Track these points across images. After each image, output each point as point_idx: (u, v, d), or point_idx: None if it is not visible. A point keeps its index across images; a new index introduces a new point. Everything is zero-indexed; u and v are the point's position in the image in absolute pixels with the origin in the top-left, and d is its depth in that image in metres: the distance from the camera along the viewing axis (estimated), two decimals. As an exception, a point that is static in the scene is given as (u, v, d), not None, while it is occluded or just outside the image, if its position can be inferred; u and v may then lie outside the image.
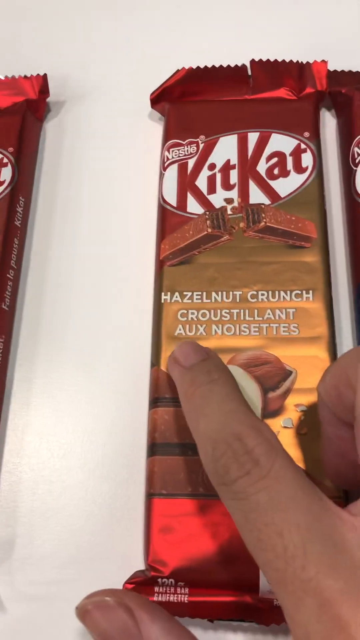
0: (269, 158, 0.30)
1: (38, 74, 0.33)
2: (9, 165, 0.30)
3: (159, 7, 0.37)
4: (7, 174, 0.30)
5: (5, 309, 0.28)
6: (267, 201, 0.29)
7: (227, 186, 0.29)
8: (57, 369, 0.28)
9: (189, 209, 0.29)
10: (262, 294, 0.27)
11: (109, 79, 0.35)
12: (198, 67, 0.32)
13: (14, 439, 0.27)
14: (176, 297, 0.27)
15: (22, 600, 0.25)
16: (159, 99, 0.32)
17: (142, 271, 0.30)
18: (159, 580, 0.23)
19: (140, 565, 0.25)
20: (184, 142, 0.30)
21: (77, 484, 0.26)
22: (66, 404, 0.28)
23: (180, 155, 0.30)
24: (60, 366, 0.28)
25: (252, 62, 0.32)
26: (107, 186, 0.32)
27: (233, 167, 0.30)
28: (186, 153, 0.30)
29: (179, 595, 0.23)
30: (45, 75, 0.33)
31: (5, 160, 0.31)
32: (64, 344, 0.29)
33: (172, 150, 0.30)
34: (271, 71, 0.32)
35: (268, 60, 0.32)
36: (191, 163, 0.30)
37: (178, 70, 0.32)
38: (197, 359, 0.22)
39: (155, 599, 0.23)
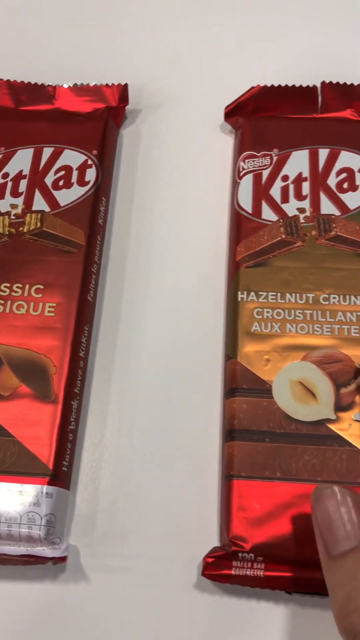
0: (338, 173, 0.32)
1: (119, 83, 0.35)
2: (94, 167, 0.33)
3: (233, 25, 0.39)
4: (91, 175, 0.32)
5: (90, 300, 0.30)
6: (337, 212, 0.31)
7: (299, 197, 0.31)
8: (135, 358, 0.30)
9: (263, 216, 0.31)
10: (334, 297, 0.29)
11: (182, 91, 0.37)
12: (272, 85, 0.34)
13: (95, 422, 0.29)
14: (252, 296, 0.29)
15: (103, 571, 0.26)
16: (233, 112, 0.35)
17: (214, 271, 0.32)
18: (239, 554, 0.25)
19: (213, 542, 0.27)
20: (258, 154, 0.33)
21: (154, 466, 0.28)
22: (143, 389, 0.30)
23: (255, 166, 0.32)
24: (138, 355, 0.30)
25: (323, 84, 0.34)
26: (179, 191, 0.34)
27: (305, 179, 0.32)
28: (260, 164, 0.32)
29: (255, 570, 0.25)
30: (126, 84, 0.35)
31: (89, 162, 0.33)
32: (141, 334, 0.31)
33: (247, 161, 0.33)
34: (339, 93, 0.34)
35: (337, 83, 0.34)
36: (265, 174, 0.32)
37: (252, 87, 0.34)
38: (346, 547, 0.21)
39: (232, 572, 0.25)
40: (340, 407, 0.27)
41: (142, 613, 0.26)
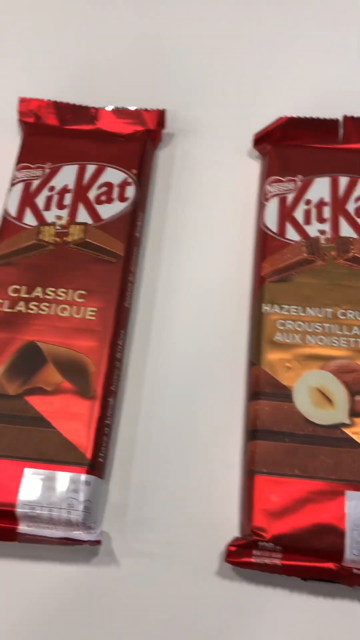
0: (357, 199, 0.35)
1: (158, 108, 0.38)
2: (133, 184, 0.35)
3: (261, 58, 0.43)
4: (130, 192, 0.35)
5: (126, 306, 0.33)
6: (355, 235, 0.34)
7: (320, 220, 0.34)
8: (165, 360, 0.33)
9: (287, 236, 0.34)
10: (350, 313, 0.32)
11: (213, 118, 0.40)
12: (298, 117, 0.37)
13: (128, 418, 0.31)
14: (275, 308, 0.32)
15: (132, 556, 0.29)
16: (261, 140, 0.38)
17: (238, 284, 0.35)
18: (260, 543, 0.27)
19: (233, 532, 0.29)
20: (284, 179, 0.35)
21: (181, 460, 0.31)
22: (172, 389, 0.32)
23: (281, 190, 0.35)
24: (167, 358, 0.33)
25: (345, 117, 0.37)
26: (208, 209, 0.37)
27: (326, 204, 0.35)
28: (286, 188, 0.35)
29: (273, 559, 0.27)
30: (164, 110, 0.38)
31: (129, 180, 0.35)
32: (171, 339, 0.33)
33: (274, 185, 0.35)
34: (358, 126, 0.37)
35: (358, 117, 0.37)
36: (290, 197, 0.35)
37: (280, 118, 0.37)
38: None
39: (252, 560, 0.27)
40: (355, 412, 0.30)
41: (167, 595, 0.28)
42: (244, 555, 0.27)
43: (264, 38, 0.44)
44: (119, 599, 0.28)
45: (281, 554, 0.27)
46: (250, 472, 0.29)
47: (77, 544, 0.28)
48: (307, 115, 0.37)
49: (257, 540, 0.27)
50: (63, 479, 0.28)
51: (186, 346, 0.33)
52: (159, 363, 0.33)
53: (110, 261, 0.33)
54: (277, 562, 0.27)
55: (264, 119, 0.38)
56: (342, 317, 0.32)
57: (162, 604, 0.28)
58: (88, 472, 0.28)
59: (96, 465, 0.29)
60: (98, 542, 0.28)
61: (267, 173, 0.36)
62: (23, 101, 0.38)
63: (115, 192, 0.35)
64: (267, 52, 0.43)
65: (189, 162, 0.39)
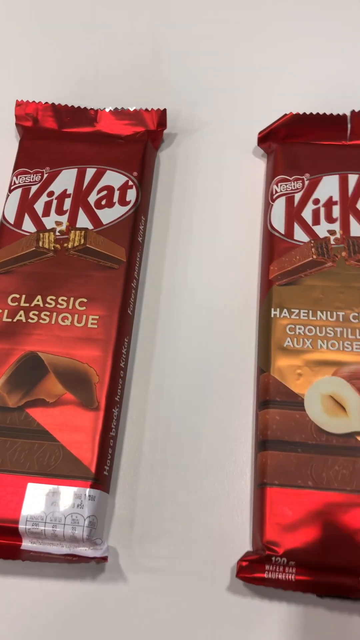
0: None
1: (158, 108, 0.37)
2: (134, 187, 0.34)
3: (265, 55, 0.41)
4: (132, 195, 0.34)
5: (130, 313, 0.32)
6: None
7: (330, 219, 0.33)
8: (170, 368, 0.32)
9: (295, 237, 0.33)
10: None
11: (216, 116, 0.39)
12: (304, 113, 0.36)
13: (133, 429, 0.30)
14: (285, 313, 0.31)
15: (140, 571, 0.28)
16: (266, 138, 0.36)
17: (245, 288, 0.34)
18: (273, 558, 0.26)
19: (244, 546, 0.28)
20: (290, 178, 0.34)
21: (189, 472, 0.29)
22: (178, 398, 0.31)
23: (288, 189, 0.34)
24: (173, 366, 0.32)
25: (353, 112, 0.36)
26: (212, 211, 0.36)
27: (335, 203, 0.33)
28: (293, 188, 0.34)
29: (288, 574, 0.26)
30: (164, 109, 0.37)
31: (130, 183, 0.34)
32: (177, 347, 0.32)
33: (280, 185, 0.34)
34: None
35: None
36: (297, 197, 0.34)
37: (285, 114, 0.36)
38: None
39: (265, 576, 0.26)
40: None
41: (177, 612, 0.27)
42: (256, 571, 0.26)
43: (267, 35, 0.42)
44: (127, 617, 0.27)
45: (295, 569, 0.26)
46: (261, 484, 0.28)
47: (83, 561, 0.27)
48: (314, 112, 0.36)
49: (270, 555, 0.26)
50: (67, 493, 0.27)
51: (192, 353, 0.32)
52: (164, 371, 0.32)
53: (112, 267, 0.32)
54: (291, 577, 0.26)
55: (269, 117, 0.37)
56: (354, 321, 0.30)
57: (171, 621, 0.27)
58: (92, 487, 0.27)
59: (101, 479, 0.28)
60: (104, 559, 0.27)
61: (273, 172, 0.35)
62: (20, 104, 0.37)
63: (116, 196, 0.34)
64: (271, 49, 0.42)
65: (191, 162, 0.38)
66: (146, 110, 0.37)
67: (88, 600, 0.27)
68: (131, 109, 0.37)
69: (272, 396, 0.29)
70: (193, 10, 0.44)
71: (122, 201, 0.34)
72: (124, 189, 0.34)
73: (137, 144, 0.36)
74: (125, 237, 0.33)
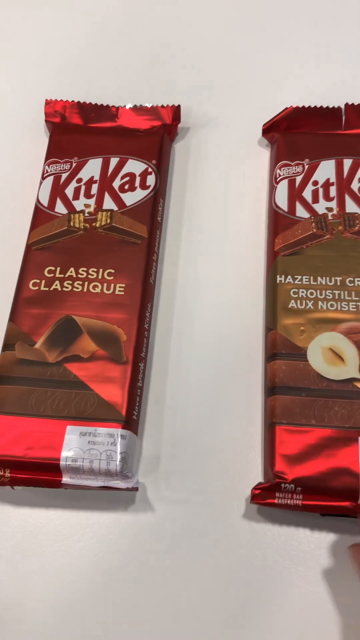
0: None
1: (173, 105, 0.41)
2: (153, 174, 0.39)
3: (267, 55, 0.46)
4: (151, 180, 0.38)
5: (151, 282, 0.36)
6: (359, 211, 0.37)
7: (328, 198, 0.37)
8: (188, 327, 0.36)
9: (297, 214, 0.37)
10: (358, 280, 0.35)
11: (224, 111, 0.43)
12: (303, 106, 0.40)
13: (157, 381, 0.35)
14: (289, 279, 0.35)
15: (165, 502, 0.32)
16: (269, 129, 0.41)
17: (253, 258, 0.38)
18: (282, 485, 0.30)
19: (256, 479, 0.32)
20: (292, 163, 0.39)
21: (207, 417, 0.34)
22: (196, 353, 0.35)
23: (290, 173, 0.38)
24: (190, 325, 0.36)
25: (347, 105, 0.40)
26: (223, 194, 0.40)
27: (332, 184, 0.38)
28: (294, 171, 0.38)
29: (295, 500, 0.30)
30: (179, 105, 0.41)
31: (150, 169, 0.39)
32: (193, 310, 0.37)
33: (283, 169, 0.39)
34: None
35: (359, 104, 0.40)
36: (298, 179, 0.38)
37: (286, 108, 0.40)
38: None
39: (276, 501, 0.30)
40: None
41: (199, 537, 0.31)
42: (268, 497, 0.30)
43: (268, 36, 0.47)
44: (156, 543, 0.31)
45: (302, 495, 0.30)
46: (271, 424, 0.32)
47: (116, 490, 0.31)
48: (313, 105, 0.41)
49: (280, 483, 0.30)
50: (101, 434, 0.31)
51: (208, 316, 0.36)
52: (183, 331, 0.36)
53: (136, 243, 0.36)
54: (298, 502, 0.30)
55: (271, 110, 0.42)
56: (350, 285, 0.35)
57: (194, 545, 0.31)
58: (124, 428, 0.31)
59: (131, 421, 0.32)
60: (135, 489, 0.31)
61: (277, 158, 0.39)
62: (49, 103, 0.42)
63: (138, 181, 0.38)
64: (273, 49, 0.46)
65: (203, 152, 0.42)
66: (162, 106, 0.41)
67: (121, 527, 0.31)
68: (148, 106, 0.41)
69: (278, 349, 0.33)
70: (204, 18, 0.48)
71: (143, 185, 0.38)
72: (144, 175, 0.39)
73: (154, 136, 0.40)
74: (146, 217, 0.37)
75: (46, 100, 0.42)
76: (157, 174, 0.39)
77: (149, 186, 0.38)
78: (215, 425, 0.33)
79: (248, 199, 0.40)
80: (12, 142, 0.43)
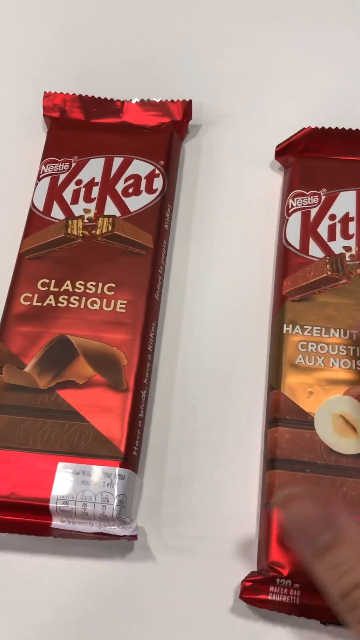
0: None
1: (184, 99, 0.38)
2: (160, 176, 0.35)
3: (287, 56, 0.42)
4: (158, 183, 0.35)
5: (157, 299, 0.32)
6: None
7: (346, 235, 0.33)
8: (196, 354, 0.32)
9: (310, 252, 0.33)
10: None
11: (241, 108, 0.39)
12: (322, 127, 0.36)
13: (160, 411, 0.31)
14: (297, 329, 0.31)
15: (168, 551, 0.28)
16: (284, 151, 0.36)
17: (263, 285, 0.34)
18: (277, 580, 0.26)
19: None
20: (307, 193, 0.34)
21: (215, 454, 0.30)
22: (203, 383, 0.31)
23: (304, 204, 0.34)
24: (198, 351, 0.32)
25: None
26: (235, 203, 0.37)
27: (352, 219, 0.33)
28: (309, 203, 0.34)
29: (292, 597, 0.26)
30: (190, 100, 0.37)
31: (157, 171, 0.35)
32: (202, 331, 0.33)
33: (296, 199, 0.34)
34: None
35: None
36: (313, 212, 0.34)
37: (304, 128, 0.36)
38: (328, 538, 0.22)
39: (269, 597, 0.26)
40: None
41: (208, 590, 0.27)
42: (260, 592, 0.26)
43: (290, 32, 0.43)
44: (155, 596, 0.27)
45: (300, 592, 0.26)
46: (267, 503, 0.28)
47: (112, 539, 0.27)
48: (333, 124, 0.36)
49: (275, 577, 0.26)
50: (97, 472, 0.28)
51: (218, 337, 0.33)
52: (190, 355, 0.32)
53: (140, 253, 0.33)
54: (296, 600, 0.26)
55: (292, 111, 0.38)
56: None
57: (199, 601, 0.27)
58: (122, 466, 0.28)
59: (130, 458, 0.28)
60: (134, 537, 0.27)
61: (290, 187, 0.35)
62: (48, 95, 0.38)
63: (143, 184, 0.35)
64: (295, 51, 0.42)
65: (216, 153, 0.38)
66: (172, 101, 0.38)
67: (117, 578, 0.28)
68: (157, 100, 0.38)
69: (282, 414, 0.29)
70: (219, 7, 0.44)
71: (149, 189, 0.34)
72: (150, 177, 0.35)
73: (163, 134, 0.36)
74: (152, 224, 0.33)
75: (45, 92, 0.38)
76: (165, 176, 0.35)
77: (156, 190, 0.34)
78: (225, 462, 0.30)
79: (263, 209, 0.36)
80: (5, 138, 0.39)
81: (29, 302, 0.32)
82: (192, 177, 0.37)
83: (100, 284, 0.32)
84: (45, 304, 0.32)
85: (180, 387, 0.31)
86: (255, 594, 0.26)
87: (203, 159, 0.38)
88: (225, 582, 0.27)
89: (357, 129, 0.36)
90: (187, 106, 0.38)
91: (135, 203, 0.34)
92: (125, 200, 0.34)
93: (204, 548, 0.28)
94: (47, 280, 0.32)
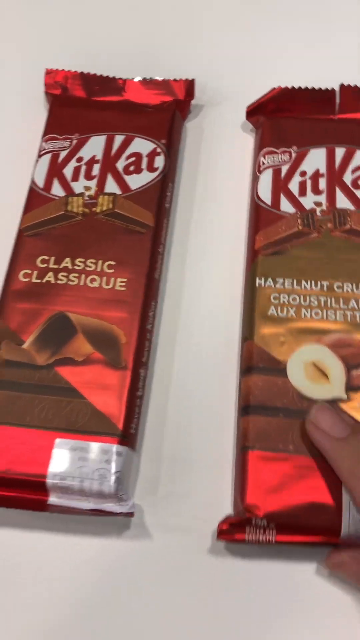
0: (354, 170, 0.34)
1: (187, 79, 0.37)
2: (162, 154, 0.35)
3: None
4: (160, 162, 0.34)
5: (156, 277, 0.32)
6: (352, 207, 0.32)
7: (316, 191, 0.33)
8: (196, 332, 0.32)
9: (282, 208, 0.33)
10: (347, 286, 0.30)
11: (244, 88, 0.39)
12: (292, 87, 0.36)
13: (159, 390, 0.31)
14: (269, 282, 0.31)
15: (165, 529, 0.28)
16: (254, 112, 0.36)
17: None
18: (253, 520, 0.26)
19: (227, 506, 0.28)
20: (278, 151, 0.34)
21: (213, 432, 0.30)
22: (203, 361, 0.31)
23: (275, 162, 0.34)
24: (199, 330, 0.32)
25: (342, 86, 0.36)
26: (240, 181, 0.36)
27: (322, 175, 0.34)
28: (280, 160, 0.34)
29: (268, 536, 0.26)
30: (193, 80, 0.37)
31: (158, 150, 0.35)
32: (201, 310, 0.33)
33: (267, 157, 0.34)
34: (357, 96, 0.36)
35: (356, 86, 0.36)
36: (284, 169, 0.34)
37: (273, 89, 0.36)
38: (346, 432, 0.26)
39: (246, 537, 0.26)
40: (352, 387, 0.28)
41: (202, 568, 0.27)
42: (237, 533, 0.26)
43: (298, 13, 0.43)
44: (151, 572, 0.27)
45: (275, 532, 0.26)
46: (243, 448, 0.28)
47: (109, 515, 0.27)
48: (304, 86, 0.36)
49: (250, 518, 0.26)
50: (94, 449, 0.27)
51: (219, 318, 0.32)
52: (189, 333, 0.32)
53: (140, 232, 0.32)
54: (272, 539, 0.26)
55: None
56: (338, 291, 0.30)
57: (198, 578, 0.27)
58: (120, 443, 0.28)
59: (128, 436, 0.28)
60: (131, 514, 0.27)
61: (261, 145, 0.35)
62: (50, 72, 0.38)
63: (144, 162, 0.34)
64: (300, 29, 0.42)
65: (218, 133, 0.38)
66: (174, 80, 0.37)
67: (114, 555, 0.28)
68: (159, 79, 0.37)
69: (255, 363, 0.29)
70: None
71: (150, 168, 0.34)
72: (152, 155, 0.34)
73: (165, 113, 0.36)
74: (152, 203, 0.33)
75: (46, 69, 0.38)
76: (167, 155, 0.35)
77: (157, 168, 0.34)
78: (222, 440, 0.30)
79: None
80: (6, 115, 0.39)
81: (28, 279, 0.31)
82: (194, 156, 0.37)
83: (100, 262, 0.32)
84: (44, 281, 0.31)
85: (179, 367, 0.31)
86: (231, 535, 0.26)
87: (205, 137, 0.38)
88: (221, 560, 0.27)
89: (325, 88, 0.36)
90: (189, 85, 0.37)
91: (136, 181, 0.34)
92: (126, 178, 0.34)
93: (199, 526, 0.28)
94: (47, 257, 0.32)
